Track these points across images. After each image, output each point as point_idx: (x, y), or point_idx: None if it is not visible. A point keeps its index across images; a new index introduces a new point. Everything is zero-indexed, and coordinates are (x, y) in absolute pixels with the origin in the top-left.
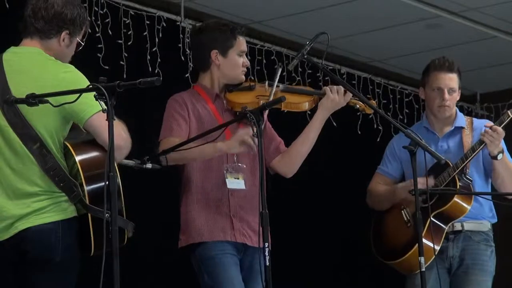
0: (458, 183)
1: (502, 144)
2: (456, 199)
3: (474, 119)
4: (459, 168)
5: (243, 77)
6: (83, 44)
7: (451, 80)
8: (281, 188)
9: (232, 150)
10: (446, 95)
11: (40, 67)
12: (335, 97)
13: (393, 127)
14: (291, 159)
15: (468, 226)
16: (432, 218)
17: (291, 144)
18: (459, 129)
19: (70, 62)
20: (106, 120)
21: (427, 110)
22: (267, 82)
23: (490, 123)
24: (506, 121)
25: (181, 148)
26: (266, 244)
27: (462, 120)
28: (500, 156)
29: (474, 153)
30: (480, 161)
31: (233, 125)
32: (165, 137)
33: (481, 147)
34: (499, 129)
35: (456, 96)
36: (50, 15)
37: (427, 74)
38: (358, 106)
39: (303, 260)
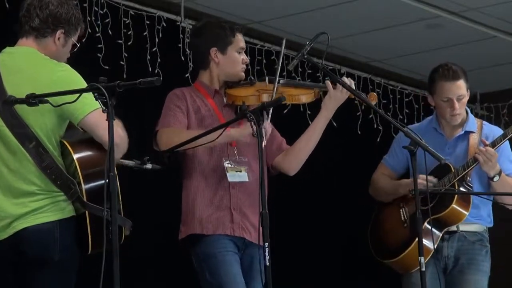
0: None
1: (507, 154)
2: (454, 205)
3: (485, 123)
4: (460, 176)
5: (243, 74)
6: (78, 45)
7: (459, 87)
8: (281, 188)
9: (241, 138)
10: (456, 105)
11: (35, 66)
12: (337, 94)
13: (393, 127)
14: (295, 156)
15: (463, 227)
16: (427, 224)
17: (294, 142)
18: (469, 133)
19: (70, 62)
20: (106, 120)
21: (438, 113)
22: (267, 78)
23: (486, 141)
24: (510, 135)
25: (182, 148)
26: (266, 244)
27: (473, 124)
28: (496, 178)
29: (469, 168)
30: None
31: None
32: (161, 127)
33: (474, 165)
34: (491, 150)
35: (466, 99)
36: (45, 14)
37: (433, 84)
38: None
39: (303, 260)
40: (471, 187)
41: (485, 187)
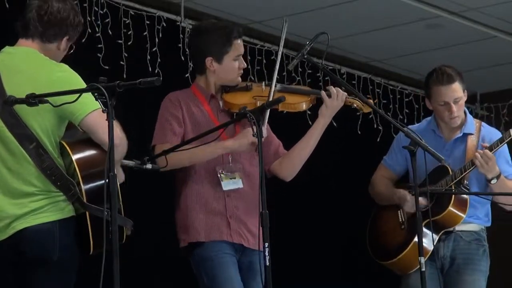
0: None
1: (505, 157)
2: (451, 207)
3: (484, 125)
4: (456, 179)
5: (239, 79)
6: (74, 46)
7: (454, 91)
8: (281, 188)
9: (240, 149)
10: (454, 108)
11: (35, 67)
12: (333, 103)
13: (393, 127)
14: (291, 163)
15: (459, 226)
16: (425, 228)
17: (291, 148)
18: (467, 135)
19: (70, 62)
20: (106, 120)
21: (437, 116)
22: (263, 82)
23: (487, 144)
24: (507, 140)
25: (182, 149)
26: (266, 244)
27: (471, 125)
28: (494, 181)
29: (466, 172)
30: None
31: (229, 126)
32: (159, 142)
33: (471, 168)
34: (488, 153)
35: (463, 101)
36: (56, 20)
37: (428, 89)
38: (355, 105)
39: (303, 260)
40: (468, 189)
41: (483, 189)
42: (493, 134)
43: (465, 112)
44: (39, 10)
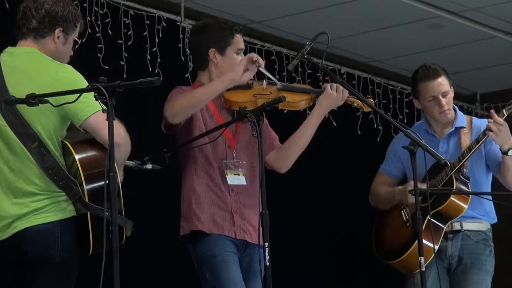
0: (456, 183)
1: None
2: (452, 198)
3: (474, 118)
4: (456, 167)
5: None
6: (79, 42)
7: (441, 84)
8: (281, 187)
9: (236, 76)
10: (443, 101)
11: (38, 66)
12: (333, 93)
13: (393, 127)
14: (286, 154)
15: (467, 225)
16: (430, 218)
17: (286, 140)
18: (459, 129)
19: (70, 61)
20: (106, 120)
21: (428, 114)
22: (264, 81)
23: (493, 113)
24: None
25: (185, 148)
26: (266, 244)
27: (462, 120)
28: (511, 153)
29: (473, 150)
30: (483, 158)
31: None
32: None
33: (481, 142)
34: (499, 119)
35: (451, 95)
36: (41, 14)
37: (415, 87)
38: (355, 104)
39: (302, 260)
40: (468, 178)
41: (484, 178)
42: (486, 123)
43: (455, 109)
44: (25, 9)
